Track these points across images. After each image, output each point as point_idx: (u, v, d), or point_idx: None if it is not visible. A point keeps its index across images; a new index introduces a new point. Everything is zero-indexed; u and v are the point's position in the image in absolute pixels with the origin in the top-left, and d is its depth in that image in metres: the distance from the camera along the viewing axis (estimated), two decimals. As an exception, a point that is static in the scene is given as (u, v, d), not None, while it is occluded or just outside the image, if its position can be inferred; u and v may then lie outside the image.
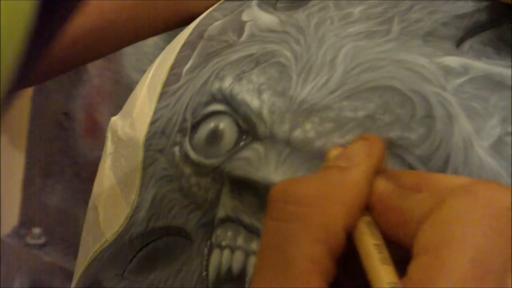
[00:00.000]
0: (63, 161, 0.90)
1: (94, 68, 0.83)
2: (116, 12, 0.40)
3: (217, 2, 0.41)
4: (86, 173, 0.88)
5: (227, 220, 0.32)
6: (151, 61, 0.76)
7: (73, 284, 0.39)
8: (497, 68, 0.32)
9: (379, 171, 0.25)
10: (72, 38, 0.39)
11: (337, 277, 0.23)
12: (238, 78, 0.34)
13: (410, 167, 0.30)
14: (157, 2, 0.42)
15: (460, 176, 0.25)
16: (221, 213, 0.32)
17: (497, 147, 0.30)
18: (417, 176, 0.25)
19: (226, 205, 0.32)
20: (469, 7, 0.34)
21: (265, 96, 0.33)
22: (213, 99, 0.34)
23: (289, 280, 0.22)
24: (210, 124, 0.34)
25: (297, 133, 0.31)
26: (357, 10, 0.35)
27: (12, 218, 0.97)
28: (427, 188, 0.23)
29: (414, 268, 0.21)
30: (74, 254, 0.95)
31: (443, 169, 0.30)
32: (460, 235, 0.21)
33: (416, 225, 0.22)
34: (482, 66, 0.32)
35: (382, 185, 0.24)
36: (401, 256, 0.23)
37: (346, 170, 0.24)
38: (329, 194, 0.23)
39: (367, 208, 0.24)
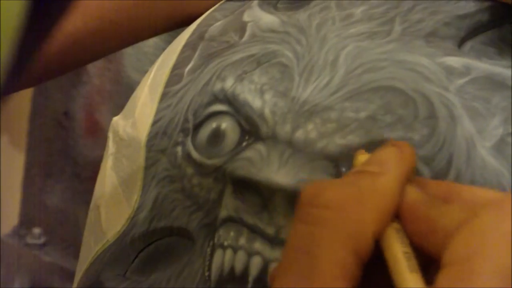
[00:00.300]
0: (63, 161, 0.90)
1: (94, 68, 0.83)
2: (116, 12, 0.40)
3: (218, 2, 0.41)
4: (86, 173, 0.88)
5: (229, 220, 0.32)
6: (151, 62, 0.76)
7: (75, 284, 0.39)
8: (498, 68, 0.32)
9: (409, 179, 0.25)
10: (72, 38, 0.39)
11: (361, 282, 0.23)
12: (240, 79, 0.34)
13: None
14: (157, 2, 0.42)
15: (490, 189, 0.25)
16: (223, 213, 0.32)
17: (499, 147, 0.30)
18: (446, 186, 0.25)
19: (229, 205, 0.32)
20: (470, 7, 0.34)
21: (267, 96, 0.33)
22: (215, 99, 0.34)
23: (314, 284, 0.22)
24: (212, 125, 0.34)
25: (299, 134, 0.31)
26: (358, 10, 0.35)
27: (12, 218, 0.97)
28: (457, 199, 0.23)
29: (442, 278, 0.21)
30: (74, 254, 0.95)
31: (446, 169, 0.30)
32: (490, 249, 0.21)
33: (446, 235, 0.22)
34: (484, 66, 0.32)
35: (413, 193, 0.24)
36: (426, 265, 0.23)
37: (377, 175, 0.24)
38: (360, 199, 0.23)
39: (397, 215, 0.24)
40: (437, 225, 0.23)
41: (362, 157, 0.27)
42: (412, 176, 0.25)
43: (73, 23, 0.39)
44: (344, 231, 0.22)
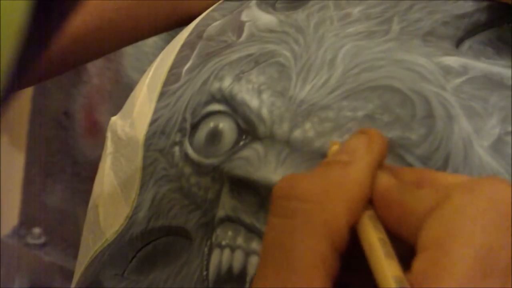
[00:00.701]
0: (63, 161, 0.90)
1: (94, 68, 0.83)
2: (116, 11, 0.40)
3: (217, 2, 0.41)
4: (86, 172, 0.88)
5: (227, 220, 0.32)
6: (151, 61, 0.76)
7: (73, 284, 0.39)
8: (496, 68, 0.32)
9: (380, 166, 0.25)
10: (72, 37, 0.39)
11: (342, 273, 0.23)
12: (238, 78, 0.34)
13: (411, 166, 0.30)
14: (157, 2, 0.42)
15: (462, 175, 0.25)
16: (221, 212, 0.32)
17: (496, 146, 0.30)
18: (418, 172, 0.25)
19: (226, 205, 0.32)
20: (468, 7, 0.34)
21: (265, 96, 0.33)
22: (213, 99, 0.34)
23: (292, 276, 0.22)
24: (210, 124, 0.34)
25: (297, 133, 0.31)
26: (356, 10, 0.35)
27: (12, 218, 0.97)
28: (429, 184, 0.24)
29: (418, 262, 0.21)
30: (74, 254, 0.95)
31: (443, 168, 0.30)
32: (464, 230, 0.21)
33: (419, 220, 0.22)
34: (482, 66, 0.32)
35: (385, 180, 0.24)
36: (402, 251, 0.23)
37: (347, 165, 0.24)
38: (331, 190, 0.23)
39: (370, 202, 0.24)
40: (411, 209, 0.23)
41: (334, 147, 0.27)
42: (384, 164, 0.25)
43: (73, 22, 0.39)
44: (317, 222, 0.22)
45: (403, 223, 0.23)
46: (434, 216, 0.22)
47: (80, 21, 0.39)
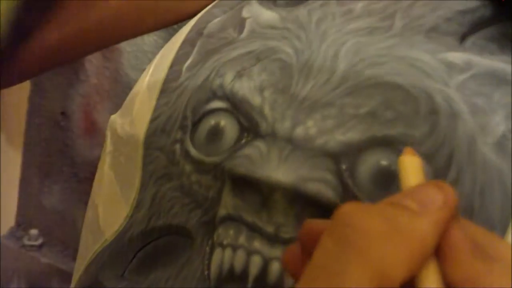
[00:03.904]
0: (60, 161, 0.90)
1: (92, 67, 0.83)
2: (92, 14, 0.39)
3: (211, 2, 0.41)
4: (84, 173, 0.88)
5: (229, 219, 0.32)
6: (150, 60, 0.76)
7: (73, 283, 0.39)
8: (500, 64, 0.32)
9: (456, 216, 0.24)
10: (57, 37, 0.38)
11: None
12: (239, 75, 0.33)
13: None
14: (145, 2, 0.41)
15: None
16: (222, 211, 0.32)
17: (501, 144, 0.30)
18: (491, 238, 0.24)
19: (228, 204, 0.32)
20: (472, 3, 0.34)
21: (267, 93, 0.32)
22: (214, 96, 0.34)
23: None
24: (211, 121, 0.33)
25: (299, 131, 0.31)
26: (358, 6, 0.34)
27: (9, 219, 0.97)
28: (497, 257, 0.23)
29: None
30: (72, 256, 0.94)
31: (447, 166, 0.29)
32: None
33: None
34: (485, 62, 0.32)
35: (458, 236, 0.23)
36: None
37: (417, 215, 0.23)
38: (395, 236, 0.22)
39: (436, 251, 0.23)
40: (479, 280, 0.22)
41: (408, 159, 0.25)
42: (459, 215, 0.24)
43: (59, 23, 0.38)
44: (373, 265, 0.22)
45: (464, 285, 0.22)
46: None
47: (64, 21, 0.38)
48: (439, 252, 0.23)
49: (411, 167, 0.25)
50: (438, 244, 0.23)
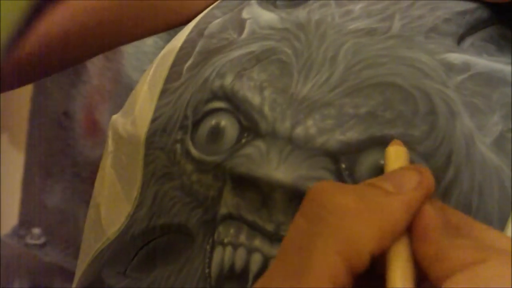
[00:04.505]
0: (62, 161, 0.90)
1: (94, 67, 0.83)
2: (92, 14, 0.39)
3: (215, 1, 0.41)
4: (86, 173, 0.88)
5: (229, 217, 0.32)
6: (151, 61, 0.76)
7: (75, 282, 0.39)
8: (498, 64, 0.32)
9: (429, 198, 0.24)
10: (46, 39, 0.38)
11: None
12: (239, 76, 0.34)
13: (412, 163, 0.29)
14: (143, 2, 0.40)
15: (503, 235, 0.25)
16: (223, 210, 0.32)
17: (499, 143, 0.30)
18: (463, 218, 0.24)
19: (228, 202, 0.32)
20: (470, 3, 0.34)
21: (266, 93, 0.32)
22: (214, 96, 0.34)
23: (302, 281, 0.22)
24: (212, 121, 0.34)
25: (299, 130, 0.31)
26: (358, 6, 0.35)
27: (11, 218, 0.97)
28: (471, 237, 0.23)
29: None
30: (74, 254, 0.94)
31: (445, 165, 0.30)
32: None
33: (450, 269, 0.22)
34: (484, 62, 0.32)
35: (430, 214, 0.24)
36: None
37: (390, 195, 0.23)
38: (366, 213, 0.23)
39: (408, 229, 0.24)
40: (445, 255, 0.22)
41: (393, 149, 0.26)
42: (433, 197, 0.25)
43: (46, 25, 0.38)
44: (341, 240, 0.22)
45: (432, 264, 0.23)
46: (466, 273, 0.22)
47: (50, 25, 0.38)
48: (411, 230, 0.24)
49: (396, 156, 0.25)
50: (411, 223, 0.23)
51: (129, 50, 0.77)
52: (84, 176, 0.89)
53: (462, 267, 0.22)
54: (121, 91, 0.81)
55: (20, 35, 0.17)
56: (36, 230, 0.94)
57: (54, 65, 0.41)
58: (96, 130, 0.86)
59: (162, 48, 0.42)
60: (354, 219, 0.23)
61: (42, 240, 0.94)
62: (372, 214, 0.23)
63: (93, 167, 0.89)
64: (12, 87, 0.40)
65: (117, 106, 0.77)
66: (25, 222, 0.97)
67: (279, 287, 0.22)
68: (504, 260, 0.22)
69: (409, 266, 0.23)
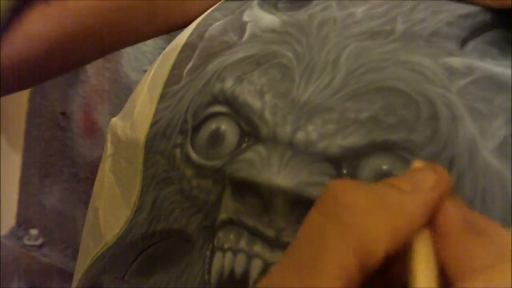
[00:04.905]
0: (60, 162, 0.90)
1: (92, 67, 0.83)
2: (93, 16, 0.39)
3: (216, 2, 0.41)
4: (84, 173, 0.88)
5: (229, 223, 0.32)
6: (150, 61, 0.76)
7: (73, 286, 0.39)
8: (501, 68, 0.32)
9: (453, 197, 0.24)
10: (50, 41, 0.38)
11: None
12: (240, 79, 0.33)
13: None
14: (135, 5, 0.40)
15: None
16: (223, 215, 0.32)
17: (502, 148, 0.30)
18: (483, 220, 0.24)
19: (228, 208, 0.32)
20: (473, 7, 0.34)
21: (267, 97, 0.32)
22: (214, 100, 0.34)
23: (313, 277, 0.22)
24: (212, 126, 0.33)
25: (300, 135, 0.31)
26: (360, 10, 0.34)
27: (9, 219, 0.97)
28: (491, 238, 0.23)
29: None
30: (72, 256, 0.94)
31: (448, 171, 0.29)
32: None
33: (468, 269, 0.22)
34: (486, 66, 0.32)
35: (453, 213, 0.24)
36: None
37: (406, 194, 0.23)
38: (380, 212, 0.23)
39: (431, 225, 0.24)
40: (466, 255, 0.23)
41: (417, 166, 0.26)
42: (458, 198, 0.25)
43: (50, 26, 0.38)
44: (355, 237, 0.22)
45: (452, 262, 0.23)
46: (484, 274, 0.22)
47: (54, 26, 0.38)
48: (432, 229, 0.24)
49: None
50: (432, 222, 0.23)
51: (128, 49, 0.77)
52: (82, 176, 0.89)
53: (480, 269, 0.22)
54: (119, 91, 0.81)
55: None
56: (34, 231, 0.94)
57: (55, 67, 0.41)
58: (94, 130, 0.86)
59: (162, 48, 0.42)
60: (369, 217, 0.23)
61: (40, 241, 0.94)
62: (387, 213, 0.23)
63: (91, 168, 0.89)
64: (13, 90, 0.40)
65: (116, 106, 0.77)
66: (23, 223, 0.96)
67: (289, 281, 0.22)
68: None
69: (432, 265, 0.23)
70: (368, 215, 0.23)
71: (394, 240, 0.23)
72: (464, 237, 0.23)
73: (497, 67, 0.32)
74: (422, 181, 0.24)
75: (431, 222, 0.24)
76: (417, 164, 0.26)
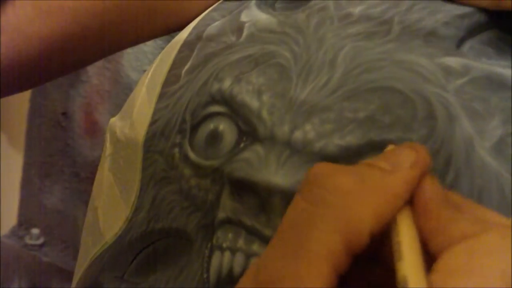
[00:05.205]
0: (61, 161, 0.90)
1: (93, 67, 0.83)
2: (92, 16, 0.39)
3: (214, 3, 0.41)
4: (85, 173, 0.88)
5: (228, 222, 0.32)
6: (150, 61, 0.76)
7: (73, 285, 0.39)
8: (497, 68, 0.32)
9: (430, 175, 0.25)
10: (50, 42, 0.38)
11: (366, 269, 0.23)
12: (237, 79, 0.34)
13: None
14: (134, 6, 0.40)
15: (501, 215, 0.26)
16: (221, 214, 0.32)
17: (498, 148, 0.30)
18: (462, 198, 0.25)
19: (227, 207, 0.32)
20: (469, 7, 0.34)
21: (265, 97, 0.32)
22: (213, 100, 0.34)
23: (297, 261, 0.22)
24: (210, 125, 0.34)
25: (297, 134, 0.31)
26: (357, 10, 0.35)
27: (10, 218, 0.97)
28: (470, 213, 0.24)
29: (436, 280, 0.21)
30: (73, 255, 0.94)
31: (445, 170, 0.30)
32: (488, 268, 0.21)
33: (449, 241, 0.22)
34: (483, 66, 0.32)
35: (432, 189, 0.24)
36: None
37: (387, 173, 0.24)
38: (363, 192, 0.23)
39: (411, 202, 0.24)
40: (445, 227, 0.23)
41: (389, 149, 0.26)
42: (435, 178, 0.25)
43: (50, 26, 0.38)
44: (340, 219, 0.22)
45: (433, 236, 0.23)
46: (465, 244, 0.22)
47: (55, 25, 0.38)
48: (413, 207, 0.24)
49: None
50: (412, 200, 0.24)
51: (128, 50, 0.77)
52: (83, 176, 0.89)
53: (461, 239, 0.22)
54: (120, 91, 0.81)
55: None
56: (35, 230, 0.94)
57: (55, 68, 0.41)
58: (95, 130, 0.86)
59: (162, 48, 0.42)
60: (353, 198, 0.23)
61: (41, 240, 0.94)
62: (370, 193, 0.23)
63: (92, 167, 0.89)
64: (13, 91, 0.40)
65: (116, 106, 0.77)
66: (24, 222, 0.97)
67: (275, 265, 0.22)
68: (504, 233, 0.22)
69: (416, 242, 0.23)
70: (351, 196, 0.23)
71: (378, 220, 0.23)
72: (443, 210, 0.23)
73: (494, 67, 0.32)
74: (402, 159, 0.24)
75: (411, 199, 0.24)
76: (391, 147, 0.26)
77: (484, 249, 0.22)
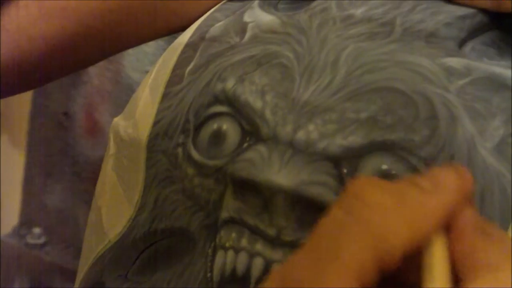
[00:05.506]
0: (63, 161, 0.90)
1: (94, 68, 0.83)
2: (93, 17, 0.39)
3: (217, 4, 0.41)
4: (86, 173, 0.88)
5: (231, 221, 0.32)
6: (152, 61, 0.76)
7: (77, 284, 0.39)
8: (499, 69, 0.32)
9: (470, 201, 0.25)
10: (52, 42, 0.38)
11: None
12: (241, 80, 0.34)
13: (414, 168, 0.30)
14: (136, 6, 0.40)
15: None
16: (224, 214, 0.32)
17: (500, 148, 0.30)
18: (496, 228, 0.25)
19: (230, 207, 0.32)
20: (471, 8, 0.34)
21: (268, 97, 0.33)
22: (216, 100, 0.34)
23: (327, 270, 0.22)
24: (213, 125, 0.34)
25: (300, 134, 0.31)
26: (359, 11, 0.35)
27: (12, 218, 0.97)
28: (499, 241, 0.24)
29: None
30: (74, 254, 0.94)
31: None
32: None
33: (476, 268, 0.23)
34: (484, 67, 0.32)
35: (469, 215, 0.24)
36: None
37: (428, 194, 0.24)
38: (401, 211, 0.23)
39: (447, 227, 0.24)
40: (475, 254, 0.23)
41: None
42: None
43: (51, 26, 0.38)
44: (375, 235, 0.22)
45: (462, 260, 0.23)
46: (490, 274, 0.22)
47: (58, 26, 0.38)
48: (448, 231, 0.24)
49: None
50: (449, 225, 0.24)
51: (129, 50, 0.77)
52: (84, 176, 0.89)
53: (489, 266, 0.22)
54: (121, 92, 0.81)
55: None
56: (37, 230, 0.94)
57: (57, 69, 0.41)
58: (96, 131, 0.86)
59: (163, 49, 0.42)
60: (389, 215, 0.23)
61: (42, 239, 0.94)
62: (407, 211, 0.23)
63: (93, 167, 0.89)
64: (15, 91, 0.40)
65: (118, 107, 0.77)
66: (25, 221, 0.97)
67: (304, 272, 0.22)
68: None
69: (447, 266, 0.23)
70: (387, 213, 0.23)
71: (412, 239, 0.22)
72: (472, 236, 0.23)
73: (495, 68, 0.32)
74: (445, 182, 0.24)
75: (448, 223, 0.24)
76: (436, 168, 0.26)
77: (506, 282, 0.22)
